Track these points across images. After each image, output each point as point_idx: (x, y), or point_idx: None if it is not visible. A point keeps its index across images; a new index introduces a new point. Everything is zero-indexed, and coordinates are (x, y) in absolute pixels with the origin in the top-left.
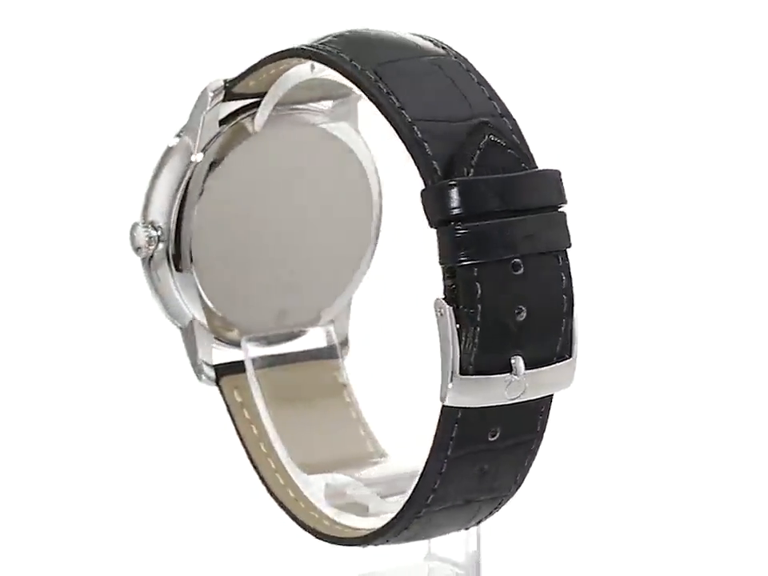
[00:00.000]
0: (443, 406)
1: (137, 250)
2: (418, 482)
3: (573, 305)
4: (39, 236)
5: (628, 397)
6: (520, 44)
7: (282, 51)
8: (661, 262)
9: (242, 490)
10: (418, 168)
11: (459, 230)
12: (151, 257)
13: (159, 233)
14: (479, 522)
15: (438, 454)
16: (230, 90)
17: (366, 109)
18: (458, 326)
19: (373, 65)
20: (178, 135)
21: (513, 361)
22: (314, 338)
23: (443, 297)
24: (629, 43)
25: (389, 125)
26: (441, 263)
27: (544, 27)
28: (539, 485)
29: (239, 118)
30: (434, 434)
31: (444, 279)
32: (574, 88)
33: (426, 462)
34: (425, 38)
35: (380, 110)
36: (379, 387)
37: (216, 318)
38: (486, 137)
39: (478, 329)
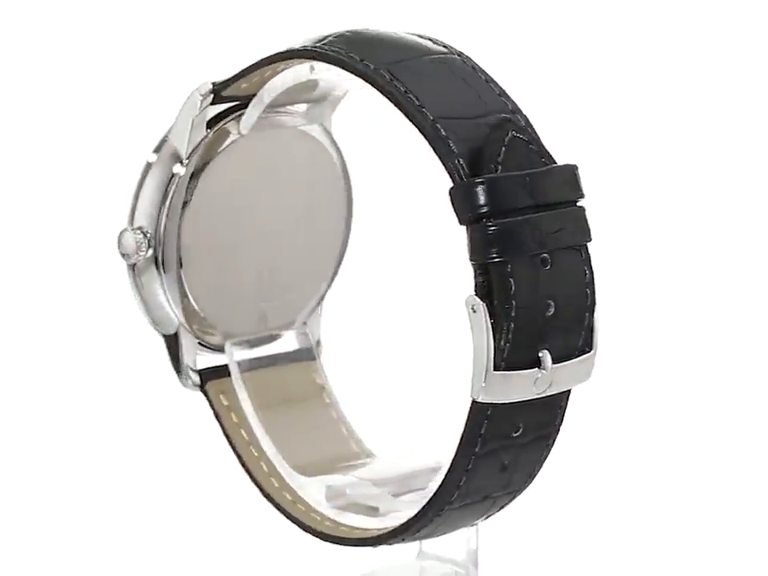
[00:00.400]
0: (473, 402)
1: (125, 255)
2: (444, 479)
3: (595, 299)
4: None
5: (622, 393)
6: (501, 41)
7: (284, 52)
8: (662, 257)
9: (232, 494)
10: (445, 166)
11: (491, 226)
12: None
13: (148, 237)
14: (488, 518)
15: (466, 451)
16: (218, 93)
17: (345, 111)
18: (492, 321)
19: (384, 64)
20: (157, 150)
21: (540, 355)
22: (291, 341)
23: (474, 293)
24: (617, 41)
25: (411, 124)
26: (472, 260)
27: (529, 25)
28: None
29: (223, 121)
30: (462, 430)
31: (475, 276)
32: (563, 85)
33: (454, 459)
34: (422, 37)
35: (400, 109)
36: (355, 387)
37: (200, 322)
38: (510, 133)
39: (512, 324)
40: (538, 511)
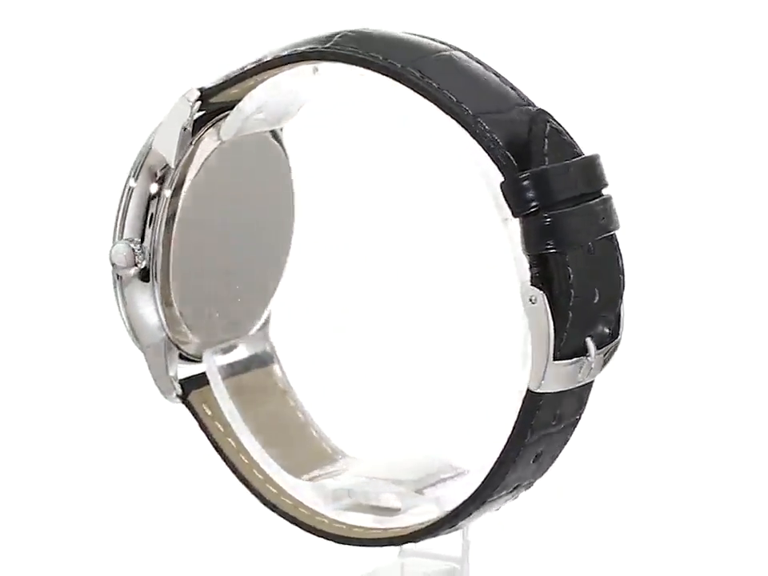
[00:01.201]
0: (529, 393)
1: (117, 266)
2: (492, 471)
3: (625, 286)
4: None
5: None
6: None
7: (293, 55)
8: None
9: (221, 501)
10: (494, 160)
11: (546, 218)
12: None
13: (142, 249)
14: (500, 508)
15: (517, 442)
16: (205, 100)
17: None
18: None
19: (410, 62)
20: (137, 170)
21: (587, 343)
22: (253, 346)
23: (526, 286)
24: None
25: (451, 120)
26: (528, 252)
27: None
28: None
29: (203, 129)
30: (514, 421)
31: (531, 267)
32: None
33: (504, 450)
34: (416, 35)
35: (438, 106)
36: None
37: (178, 330)
38: (548, 125)
39: (570, 314)
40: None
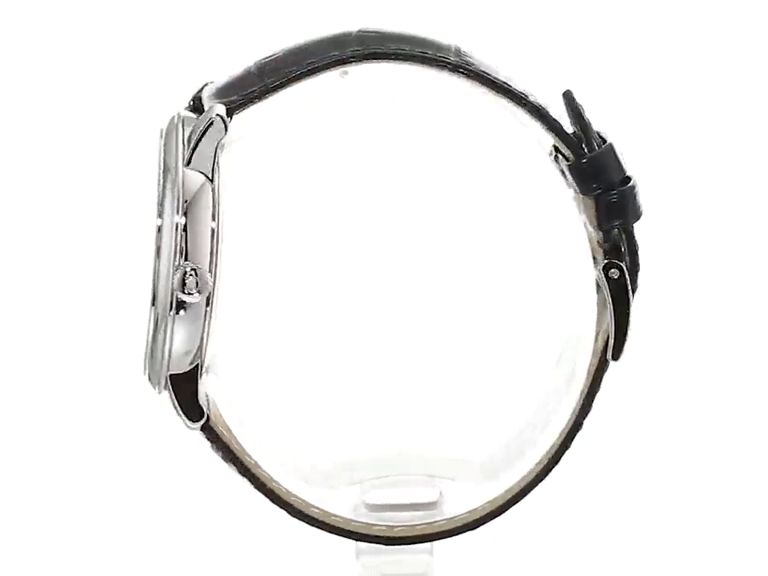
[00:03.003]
0: (605, 364)
1: (187, 293)
2: (563, 442)
3: None
4: None
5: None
6: None
7: (331, 59)
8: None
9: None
10: (565, 142)
11: (614, 195)
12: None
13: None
14: None
15: (586, 411)
16: (231, 115)
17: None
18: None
19: (453, 56)
20: (178, 209)
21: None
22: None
23: (606, 261)
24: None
25: (518, 107)
26: (600, 228)
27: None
28: None
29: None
30: (586, 392)
31: (602, 243)
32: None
33: (575, 422)
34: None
35: (505, 95)
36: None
37: None
38: (579, 107)
39: (637, 283)
40: None
